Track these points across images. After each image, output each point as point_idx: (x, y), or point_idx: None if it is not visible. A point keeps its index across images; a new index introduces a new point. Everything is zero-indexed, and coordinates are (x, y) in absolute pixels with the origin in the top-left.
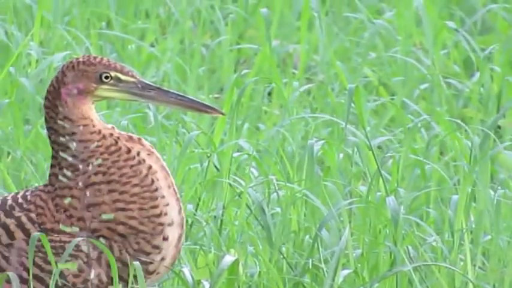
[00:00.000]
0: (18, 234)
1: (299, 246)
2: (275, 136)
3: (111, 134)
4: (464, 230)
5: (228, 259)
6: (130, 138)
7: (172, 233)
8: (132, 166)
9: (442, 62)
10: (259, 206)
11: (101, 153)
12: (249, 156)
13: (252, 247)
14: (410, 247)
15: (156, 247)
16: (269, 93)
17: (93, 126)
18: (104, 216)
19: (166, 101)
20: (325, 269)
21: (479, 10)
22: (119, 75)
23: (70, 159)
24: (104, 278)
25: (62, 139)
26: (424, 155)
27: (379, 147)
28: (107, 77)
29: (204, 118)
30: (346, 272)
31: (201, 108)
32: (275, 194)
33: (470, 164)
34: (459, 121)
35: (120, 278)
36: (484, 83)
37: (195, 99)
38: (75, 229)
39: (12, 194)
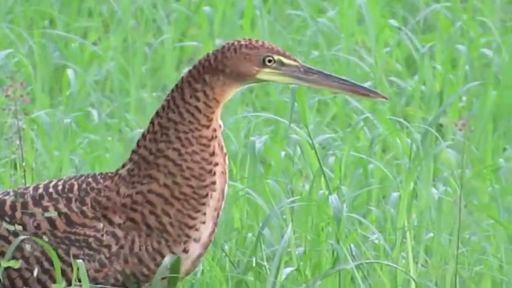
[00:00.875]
0: (44, 224)
1: (242, 244)
2: None
3: (214, 130)
4: (406, 228)
5: (170, 257)
6: (222, 148)
7: (194, 249)
8: (202, 168)
9: (384, 61)
10: None
11: (193, 137)
12: None
13: None
14: (352, 245)
15: (174, 255)
16: None
17: (213, 112)
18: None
19: (328, 84)
20: (267, 267)
21: (422, 9)
22: (282, 58)
23: (168, 123)
24: (119, 276)
25: (181, 109)
26: (367, 153)
27: (323, 147)
28: (270, 61)
29: (147, 117)
30: (288, 269)
31: (363, 92)
32: None
33: (412, 162)
34: (401, 119)
35: (133, 275)
36: (426, 81)
37: (356, 83)
38: (19, 227)
39: (46, 182)
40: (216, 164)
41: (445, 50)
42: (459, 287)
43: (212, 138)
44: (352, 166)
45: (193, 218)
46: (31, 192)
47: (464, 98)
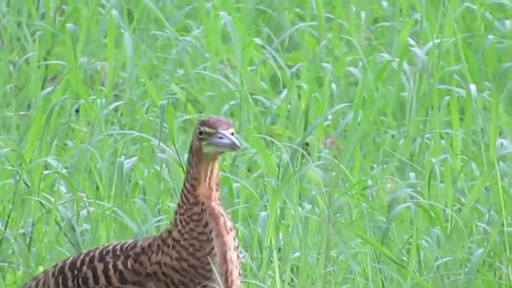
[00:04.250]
0: (102, 280)
1: None
2: (83, 153)
3: (203, 203)
4: (273, 247)
5: None
6: (212, 212)
7: None
8: (201, 241)
9: (250, 79)
10: (69, 223)
11: (187, 216)
12: (58, 174)
13: None
14: None
15: None
16: (77, 110)
17: (195, 189)
18: None
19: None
20: None
21: (288, 28)
22: (206, 128)
23: (176, 210)
24: None
25: (181, 194)
26: (232, 171)
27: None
28: (201, 133)
29: (11, 135)
30: None
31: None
32: (85, 210)
33: (279, 181)
34: (268, 138)
35: None
36: (291, 100)
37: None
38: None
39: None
40: (211, 231)
41: (310, 69)
42: None
43: (202, 211)
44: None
45: (204, 286)
46: (100, 249)
47: (330, 117)
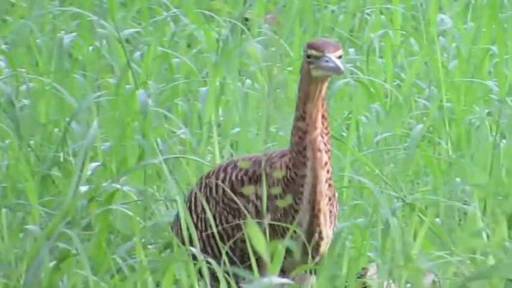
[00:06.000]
0: (219, 190)
1: (48, 139)
2: (23, 28)
3: (307, 125)
4: (213, 123)
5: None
6: (313, 145)
7: (299, 233)
8: (299, 160)
9: None
10: (8, 99)
11: (295, 127)
12: None
13: (0, 141)
14: (159, 140)
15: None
16: None
17: (304, 105)
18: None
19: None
20: (73, 162)
21: None
22: (313, 51)
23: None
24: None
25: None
26: (172, 47)
27: (127, 40)
28: (308, 56)
29: None
30: (94, 164)
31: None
32: (24, 86)
33: (219, 56)
34: (208, 13)
35: None
36: None
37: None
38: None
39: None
40: (308, 159)
41: None
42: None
43: (306, 132)
44: (158, 61)
45: (296, 203)
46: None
47: None
